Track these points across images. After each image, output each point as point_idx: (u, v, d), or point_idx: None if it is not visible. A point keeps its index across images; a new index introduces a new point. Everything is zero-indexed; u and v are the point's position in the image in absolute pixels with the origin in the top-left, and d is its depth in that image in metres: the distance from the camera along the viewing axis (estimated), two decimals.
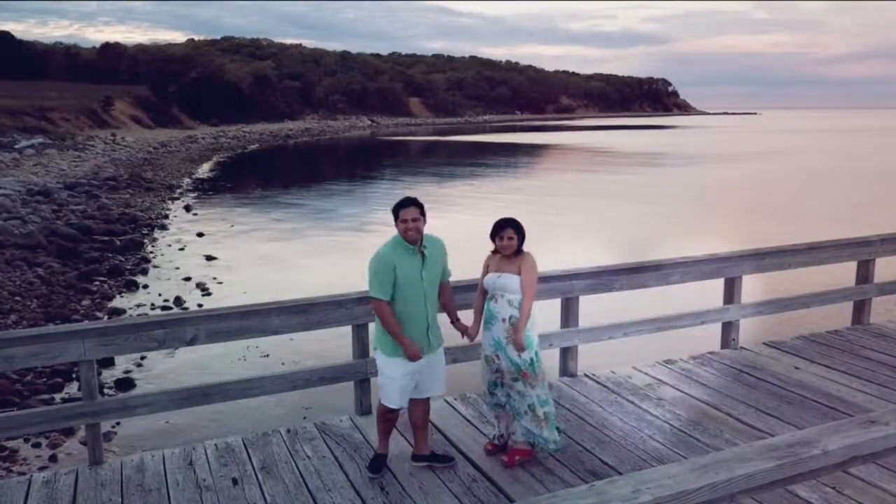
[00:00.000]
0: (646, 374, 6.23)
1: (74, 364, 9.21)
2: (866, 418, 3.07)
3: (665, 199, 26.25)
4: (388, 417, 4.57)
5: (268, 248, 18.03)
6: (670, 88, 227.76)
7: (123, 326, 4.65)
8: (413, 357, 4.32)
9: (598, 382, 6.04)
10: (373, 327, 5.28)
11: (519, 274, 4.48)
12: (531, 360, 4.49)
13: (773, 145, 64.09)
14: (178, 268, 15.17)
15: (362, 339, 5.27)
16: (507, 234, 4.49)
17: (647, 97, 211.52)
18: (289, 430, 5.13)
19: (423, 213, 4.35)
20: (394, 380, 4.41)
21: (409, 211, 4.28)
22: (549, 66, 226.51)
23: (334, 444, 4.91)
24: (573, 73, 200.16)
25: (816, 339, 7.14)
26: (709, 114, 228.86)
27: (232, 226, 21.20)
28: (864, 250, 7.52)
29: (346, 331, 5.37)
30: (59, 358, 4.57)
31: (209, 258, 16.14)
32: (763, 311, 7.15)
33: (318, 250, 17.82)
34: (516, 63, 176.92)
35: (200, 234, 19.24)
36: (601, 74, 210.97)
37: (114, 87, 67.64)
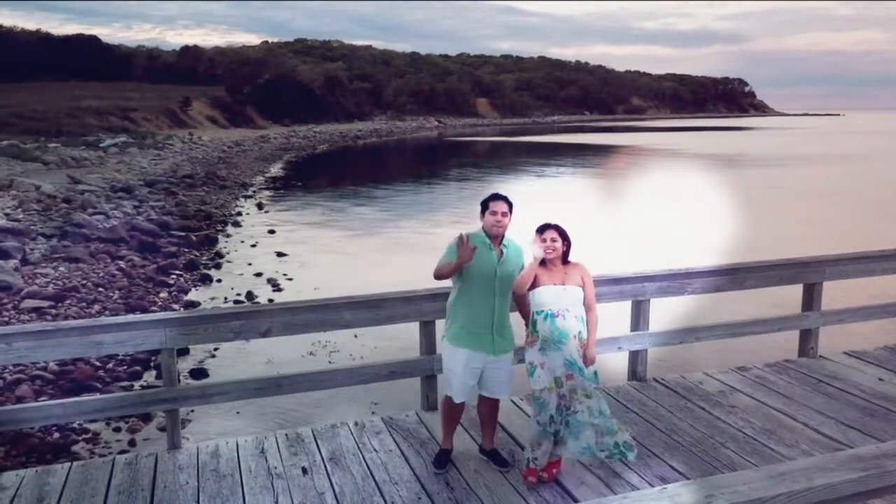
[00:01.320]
0: (718, 380, 6.07)
1: (154, 352, 9.62)
2: None
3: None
4: (450, 411, 4.57)
5: (338, 246, 18.36)
6: (747, 89, 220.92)
7: (203, 317, 4.84)
8: (464, 255, 4.18)
9: (667, 387, 5.92)
10: (440, 324, 5.34)
11: (582, 286, 4.31)
12: (595, 372, 4.33)
13: (853, 148, 61.35)
14: (250, 263, 15.58)
15: (429, 336, 5.32)
16: (550, 234, 4.26)
17: (722, 98, 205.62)
18: (356, 423, 5.22)
19: (511, 211, 4.38)
20: (455, 373, 4.42)
21: (499, 204, 4.34)
22: (620, 66, 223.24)
23: (401, 438, 4.98)
24: (644, 73, 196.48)
25: None
26: (788, 115, 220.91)
27: (303, 223, 21.68)
28: None
29: (414, 327, 5.42)
30: (142, 345, 4.78)
31: (280, 254, 16.53)
32: (845, 319, 6.84)
33: (387, 248, 18.04)
34: (586, 63, 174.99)
35: (272, 231, 19.74)
36: (674, 74, 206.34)
37: (192, 88, 70.18)
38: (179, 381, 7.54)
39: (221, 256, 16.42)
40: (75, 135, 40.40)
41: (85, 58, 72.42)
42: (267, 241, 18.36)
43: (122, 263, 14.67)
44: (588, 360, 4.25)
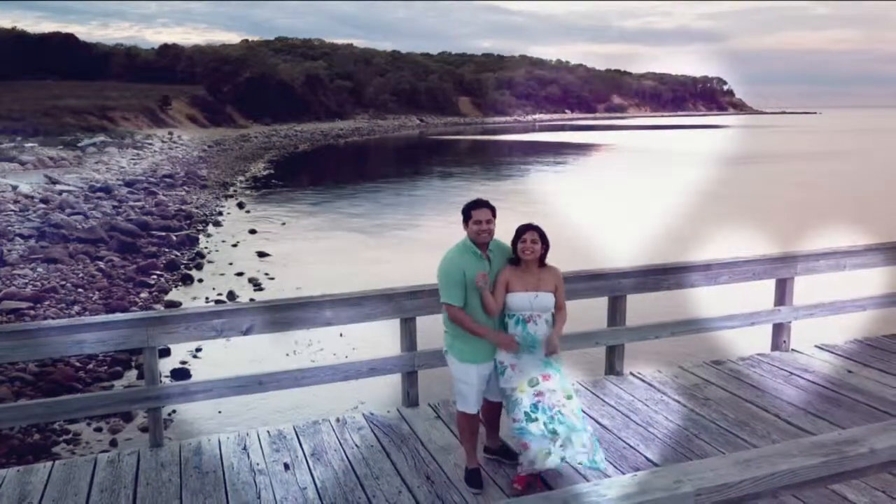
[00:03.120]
0: (693, 373, 6.20)
1: (135, 352, 9.59)
2: None
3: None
4: (471, 425, 4.46)
5: (319, 246, 18.37)
6: (725, 87, 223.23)
7: (184, 315, 4.88)
8: (508, 346, 4.19)
9: (643, 381, 6.03)
10: (420, 321, 5.42)
11: (554, 291, 4.30)
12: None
13: (828, 146, 62.23)
14: (231, 263, 15.55)
15: (410, 333, 5.39)
16: (531, 236, 4.22)
17: (701, 96, 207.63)
18: (338, 420, 5.29)
19: (494, 216, 4.28)
20: (471, 385, 4.33)
21: (482, 212, 4.22)
22: (602, 65, 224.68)
23: (382, 433, 5.05)
24: (625, 71, 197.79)
25: (872, 342, 6.98)
26: (765, 113, 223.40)
27: (283, 223, 21.64)
28: None
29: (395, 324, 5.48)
30: (124, 344, 4.81)
31: (261, 254, 16.50)
32: (816, 313, 7.00)
33: (369, 247, 18.07)
34: (567, 62, 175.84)
35: (253, 231, 19.68)
36: (654, 73, 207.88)
37: (171, 87, 69.55)
38: (161, 379, 7.57)
39: (202, 256, 16.37)
40: (52, 134, 39.92)
41: (62, 56, 71.66)
42: (248, 241, 18.32)
43: (101, 264, 14.59)
44: (550, 346, 4.24)
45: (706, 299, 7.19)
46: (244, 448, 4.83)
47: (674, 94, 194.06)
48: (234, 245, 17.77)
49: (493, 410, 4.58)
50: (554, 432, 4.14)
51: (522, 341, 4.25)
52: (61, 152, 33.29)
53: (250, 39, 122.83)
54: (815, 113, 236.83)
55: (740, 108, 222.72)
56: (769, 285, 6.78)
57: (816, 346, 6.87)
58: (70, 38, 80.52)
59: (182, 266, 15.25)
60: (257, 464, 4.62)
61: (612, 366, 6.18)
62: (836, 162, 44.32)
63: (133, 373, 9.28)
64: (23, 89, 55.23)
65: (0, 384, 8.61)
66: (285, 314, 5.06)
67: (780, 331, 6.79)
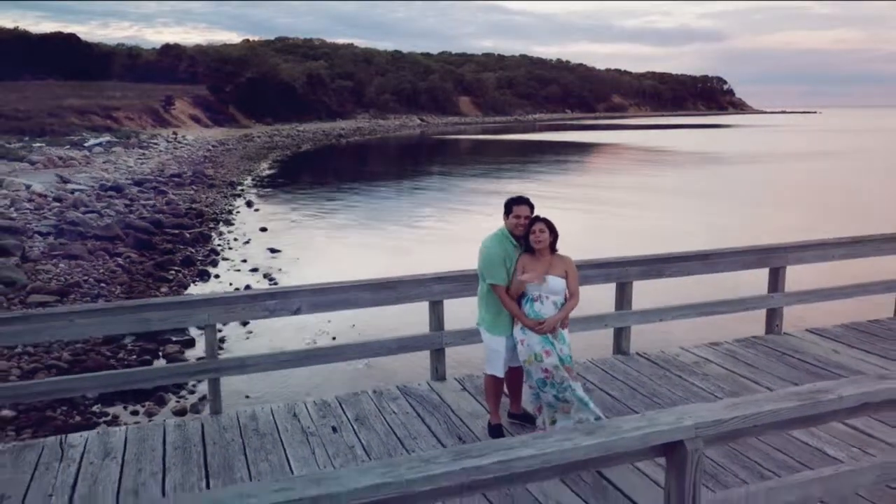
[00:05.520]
0: (693, 353, 6.80)
1: (164, 342, 10.13)
2: (879, 374, 3.64)
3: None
4: (495, 387, 5.12)
5: (327, 242, 18.93)
6: (725, 87, 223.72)
7: (242, 297, 5.47)
8: (542, 330, 4.70)
9: (648, 359, 6.62)
10: (448, 304, 6.01)
11: (565, 277, 4.78)
12: (570, 356, 4.84)
13: (828, 145, 62.82)
14: (244, 260, 16.07)
15: (438, 314, 5.99)
16: (539, 227, 4.73)
17: (702, 96, 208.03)
18: (375, 391, 5.89)
19: (532, 213, 4.88)
20: (499, 353, 4.96)
21: (522, 208, 4.84)
22: (602, 65, 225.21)
23: (416, 402, 5.65)
24: (625, 71, 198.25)
25: (857, 327, 7.57)
26: (766, 112, 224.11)
27: (292, 220, 22.18)
28: None
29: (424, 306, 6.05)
30: (186, 322, 5.39)
31: (273, 251, 17.03)
32: (806, 299, 7.60)
33: (374, 243, 18.60)
34: (567, 61, 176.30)
35: (263, 229, 20.17)
36: (654, 73, 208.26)
37: (173, 86, 69.96)
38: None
39: (217, 253, 16.87)
40: (59, 134, 40.38)
41: (64, 56, 71.95)
42: (259, 238, 18.82)
43: (120, 260, 15.03)
44: (546, 325, 4.68)
45: (706, 286, 7.77)
46: (294, 415, 5.41)
47: (674, 94, 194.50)
48: (246, 242, 18.28)
49: (516, 377, 5.19)
50: (565, 401, 4.77)
51: (528, 319, 4.76)
52: (69, 152, 33.75)
53: (251, 39, 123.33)
54: (816, 112, 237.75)
55: (740, 107, 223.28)
56: (763, 273, 7.36)
57: (807, 330, 7.46)
58: (72, 37, 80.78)
59: (198, 262, 15.74)
60: (308, 427, 5.21)
61: (620, 346, 6.77)
62: (837, 161, 44.92)
63: (161, 362, 9.79)
64: (26, 89, 55.66)
65: (38, 371, 9.17)
66: (330, 296, 5.63)
67: (773, 315, 7.37)
